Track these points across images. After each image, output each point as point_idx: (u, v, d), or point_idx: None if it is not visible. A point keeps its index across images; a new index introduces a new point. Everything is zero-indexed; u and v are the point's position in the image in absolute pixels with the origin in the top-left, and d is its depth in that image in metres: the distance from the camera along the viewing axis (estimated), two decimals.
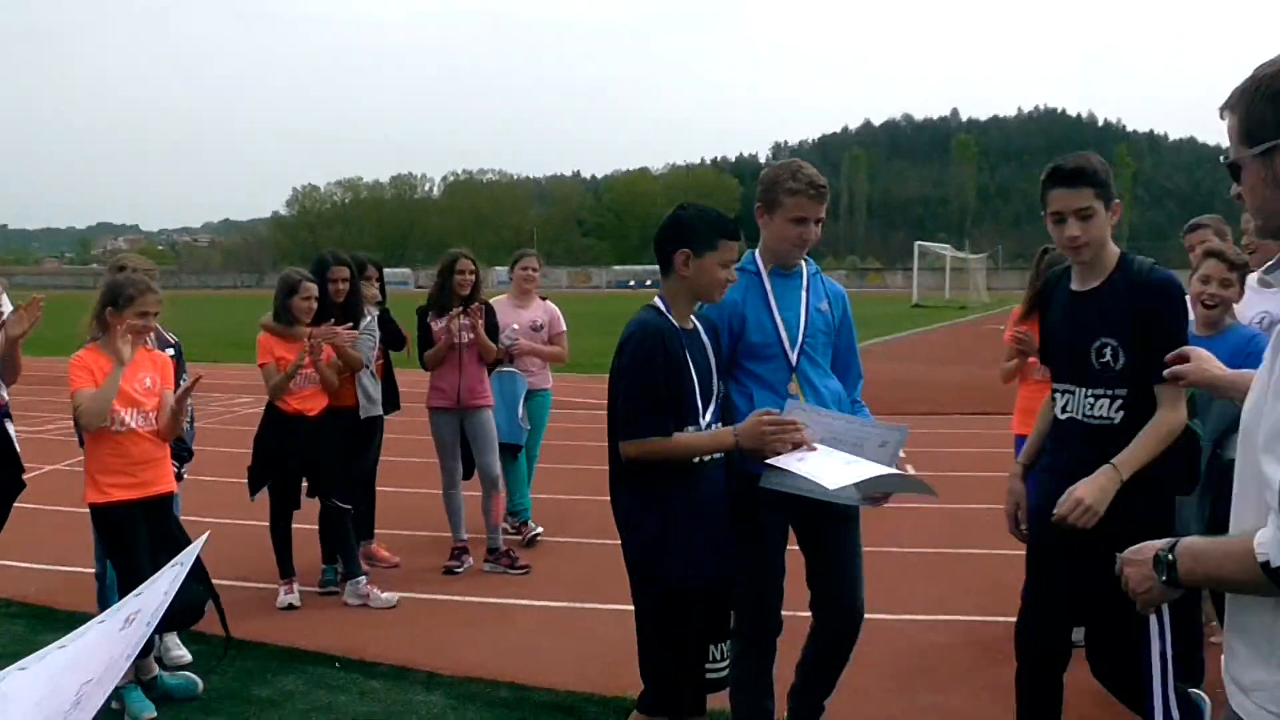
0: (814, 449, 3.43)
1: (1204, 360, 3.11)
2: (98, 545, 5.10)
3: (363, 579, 6.33)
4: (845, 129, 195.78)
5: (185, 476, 5.59)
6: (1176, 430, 3.48)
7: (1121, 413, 3.48)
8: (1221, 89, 2.11)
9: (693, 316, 3.61)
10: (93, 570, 5.39)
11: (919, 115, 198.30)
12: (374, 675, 5.13)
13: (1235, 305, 5.30)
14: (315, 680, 5.07)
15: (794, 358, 3.92)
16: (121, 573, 4.69)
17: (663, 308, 3.53)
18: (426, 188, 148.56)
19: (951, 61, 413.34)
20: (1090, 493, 3.34)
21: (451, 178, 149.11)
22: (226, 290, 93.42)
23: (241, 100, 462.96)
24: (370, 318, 6.84)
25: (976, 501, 8.11)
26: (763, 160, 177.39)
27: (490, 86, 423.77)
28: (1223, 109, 2.07)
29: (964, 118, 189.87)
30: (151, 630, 1.73)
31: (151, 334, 4.95)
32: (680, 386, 3.44)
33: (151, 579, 1.95)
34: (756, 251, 4.04)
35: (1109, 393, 3.50)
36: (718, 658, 3.59)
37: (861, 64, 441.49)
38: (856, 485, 3.32)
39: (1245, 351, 4.36)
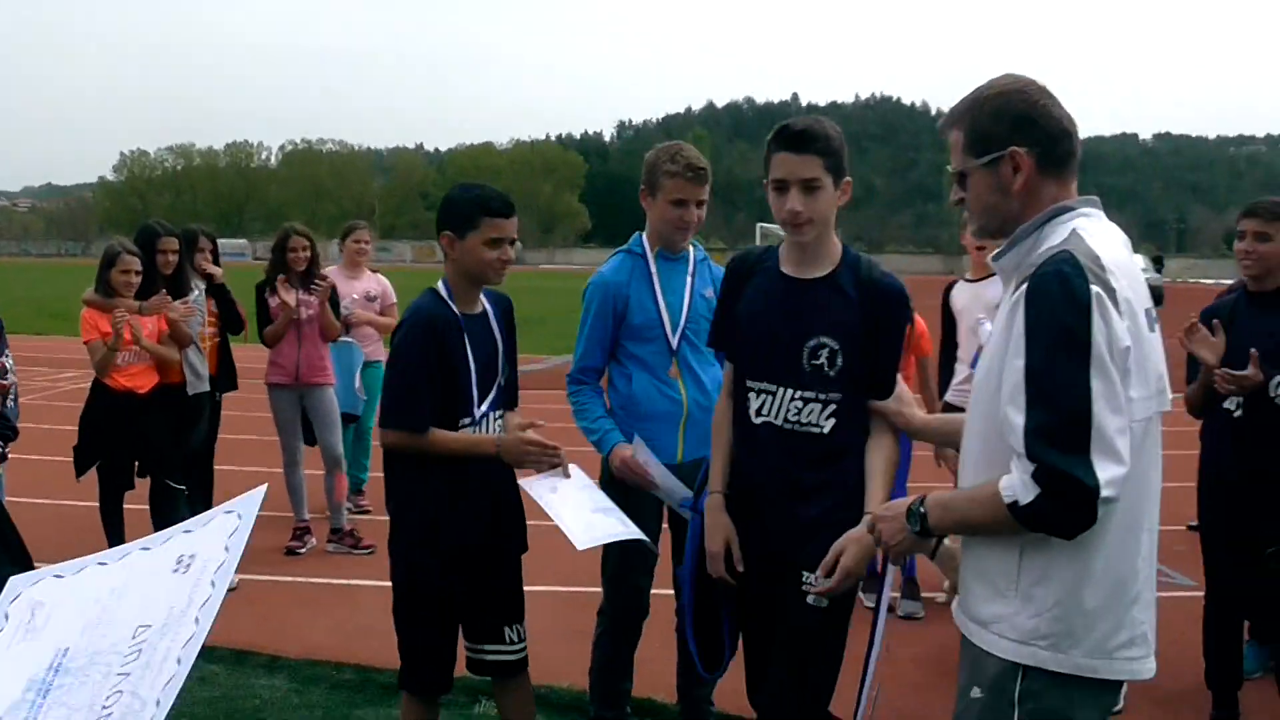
0: (568, 477, 3.42)
1: (906, 403, 3.10)
2: None
3: None
4: (689, 110, 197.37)
5: (9, 456, 5.36)
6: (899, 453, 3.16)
7: (832, 420, 3.02)
8: (1053, 83, 2.34)
9: (482, 299, 3.55)
10: None
11: (760, 98, 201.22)
12: (213, 659, 5.02)
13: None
14: None
15: (674, 341, 3.94)
16: None
17: (444, 293, 3.47)
18: (263, 156, 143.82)
19: (792, 47, 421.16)
20: (856, 559, 2.83)
21: (290, 146, 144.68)
22: (50, 259, 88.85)
23: (64, 57, 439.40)
24: (198, 291, 6.63)
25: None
26: (607, 139, 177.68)
27: (329, 54, 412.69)
28: (945, 126, 2.40)
29: (804, 102, 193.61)
30: (223, 594, 1.62)
31: None
32: (453, 377, 3.39)
33: (202, 518, 1.84)
34: (644, 234, 4.04)
35: (821, 397, 3.01)
36: (514, 640, 3.60)
37: (704, 46, 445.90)
38: (594, 539, 3.33)
39: None
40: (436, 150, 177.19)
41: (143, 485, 6.30)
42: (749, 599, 3.17)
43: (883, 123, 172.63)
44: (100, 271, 6.10)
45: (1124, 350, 2.11)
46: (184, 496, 6.23)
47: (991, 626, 2.28)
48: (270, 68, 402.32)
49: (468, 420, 3.42)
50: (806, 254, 3.07)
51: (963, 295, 5.75)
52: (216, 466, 7.14)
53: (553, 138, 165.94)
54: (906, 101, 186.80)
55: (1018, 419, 2.10)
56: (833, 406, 3.01)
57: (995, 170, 2.30)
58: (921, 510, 2.34)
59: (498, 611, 3.58)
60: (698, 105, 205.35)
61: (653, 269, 3.99)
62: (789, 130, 2.97)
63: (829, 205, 2.99)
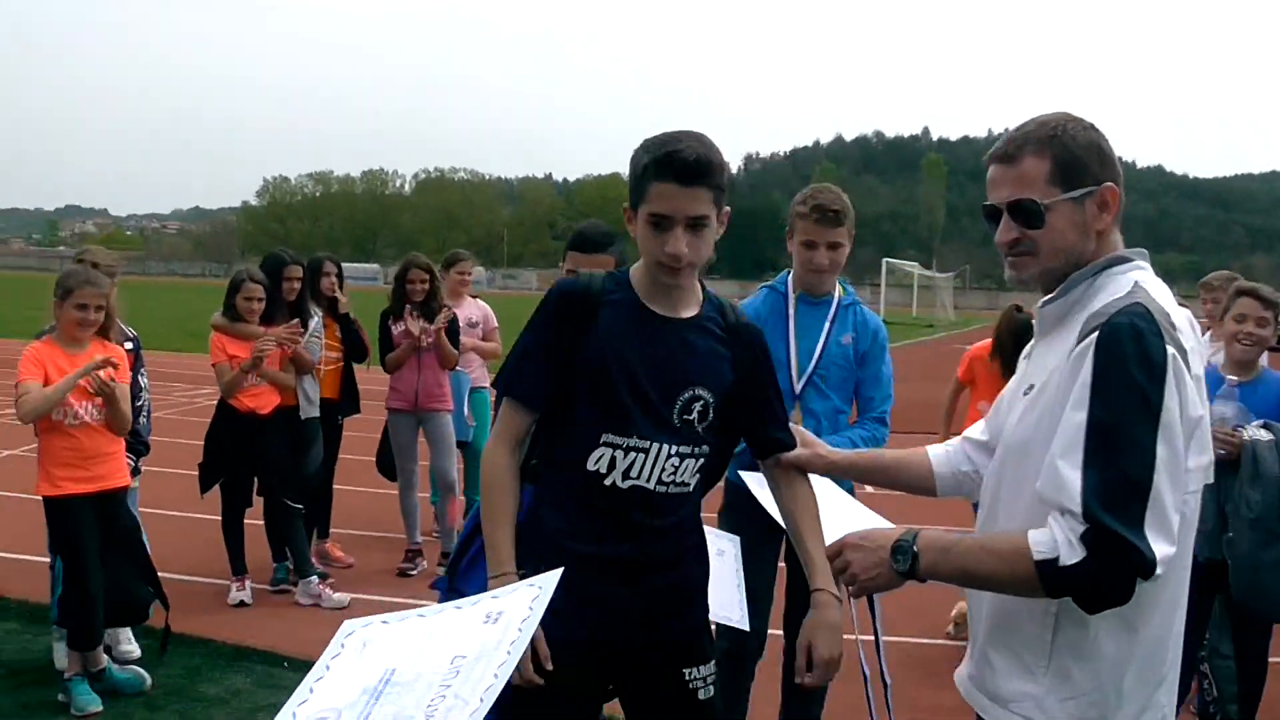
0: None
1: (814, 444, 2.74)
2: (51, 535, 5.08)
3: (314, 579, 6.32)
4: (817, 143, 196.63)
5: (142, 470, 5.58)
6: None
7: (698, 476, 2.62)
8: (1193, 120, 2.31)
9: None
10: (46, 559, 5.37)
11: (890, 132, 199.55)
12: None
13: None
14: (263, 679, 5.07)
15: (798, 386, 3.91)
16: (68, 566, 4.69)
17: None
18: (398, 183, 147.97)
19: (923, 81, 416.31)
20: (831, 645, 2.47)
21: (423, 174, 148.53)
22: (194, 279, 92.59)
23: (213, 88, 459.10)
24: (317, 317, 6.84)
25: (925, 521, 8.13)
26: (735, 171, 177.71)
27: (463, 86, 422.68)
28: (1014, 150, 2.12)
29: (934, 136, 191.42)
30: (529, 639, 1.84)
31: (113, 328, 4.94)
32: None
33: (506, 589, 2.03)
34: (790, 274, 4.04)
35: (695, 450, 2.58)
36: None
37: (834, 80, 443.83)
38: None
39: None
40: (565, 180, 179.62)
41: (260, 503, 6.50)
42: (623, 668, 2.62)
43: None
44: (227, 296, 6.36)
45: (1195, 419, 1.95)
46: (301, 516, 6.40)
47: (1013, 705, 2.08)
48: (407, 98, 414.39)
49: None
50: (672, 290, 2.59)
51: None
52: (336, 486, 7.33)
53: None
54: None
55: (1071, 475, 1.89)
56: (702, 460, 2.60)
57: (1082, 206, 2.09)
58: (914, 549, 2.08)
59: None
60: (826, 138, 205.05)
61: (790, 310, 3.98)
62: (677, 159, 2.41)
63: (711, 243, 2.52)
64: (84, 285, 4.67)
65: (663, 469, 2.53)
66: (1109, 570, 1.86)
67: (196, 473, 6.38)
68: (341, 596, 6.29)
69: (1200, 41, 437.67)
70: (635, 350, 2.52)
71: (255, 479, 6.42)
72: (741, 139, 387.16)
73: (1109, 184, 2.09)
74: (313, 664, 5.10)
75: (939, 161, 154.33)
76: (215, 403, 6.47)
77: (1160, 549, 1.84)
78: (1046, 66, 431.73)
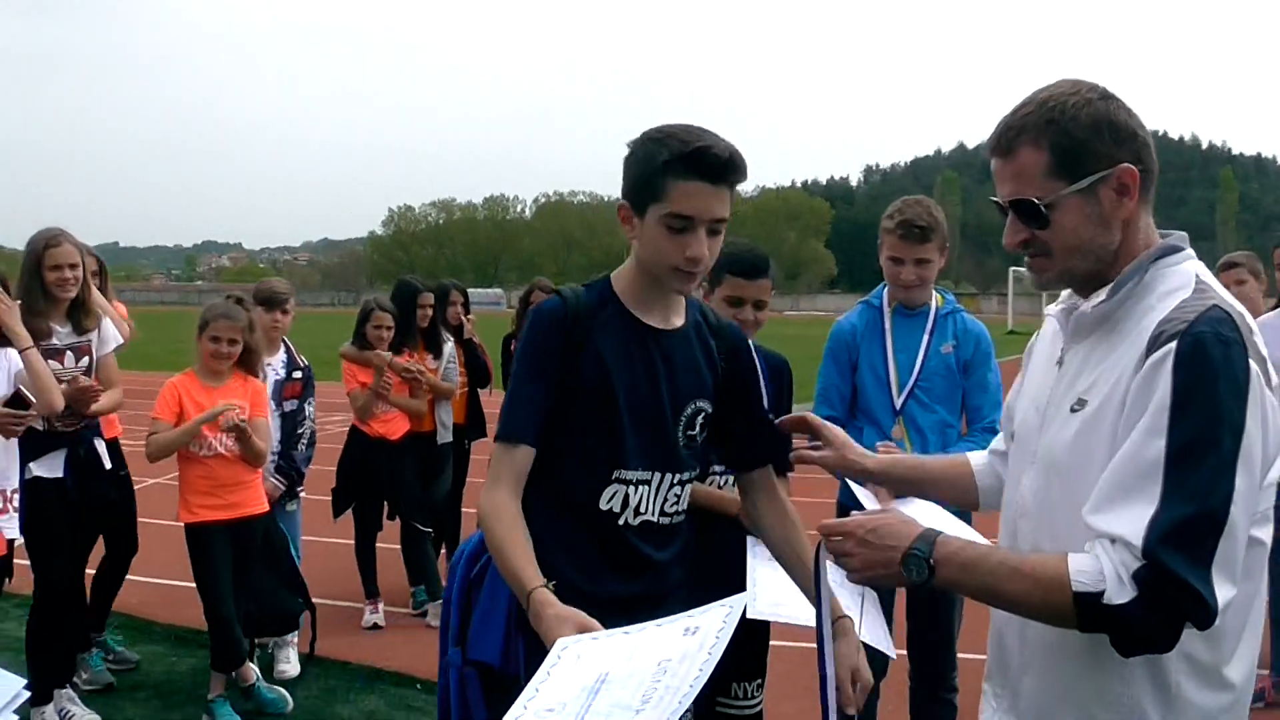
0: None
1: (845, 446, 2.42)
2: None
3: None
4: (938, 151, 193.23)
5: (300, 495, 5.83)
6: None
7: (682, 503, 2.50)
8: None
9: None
10: (189, 584, 5.54)
11: None
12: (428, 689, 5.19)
13: None
14: (396, 701, 5.15)
15: (899, 401, 3.85)
16: (202, 589, 4.86)
17: None
18: (518, 209, 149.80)
19: (1047, 83, 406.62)
20: (866, 670, 2.37)
21: (543, 199, 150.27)
22: (322, 308, 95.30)
23: (340, 123, 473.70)
24: (449, 344, 6.95)
25: None
26: (854, 183, 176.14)
27: (581, 109, 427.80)
28: (1007, 142, 1.88)
29: None
30: (725, 644, 1.91)
31: (258, 362, 5.10)
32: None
33: (701, 609, 2.06)
34: (886, 287, 3.99)
35: (685, 478, 2.46)
36: (739, 695, 3.47)
37: (955, 86, 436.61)
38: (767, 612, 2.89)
39: None
40: None
41: (391, 527, 6.63)
42: None
43: None
44: (357, 325, 6.55)
45: (1277, 444, 1.73)
46: (429, 538, 6.53)
47: None
48: (526, 124, 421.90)
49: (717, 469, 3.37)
50: (667, 299, 2.43)
51: None
52: (465, 510, 7.43)
53: (798, 184, 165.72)
54: (1174, 135, 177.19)
55: (1137, 506, 1.66)
56: (689, 487, 2.49)
57: (1094, 196, 1.81)
58: (930, 561, 1.82)
59: (734, 666, 3.48)
60: (948, 147, 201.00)
61: (886, 324, 3.92)
62: (710, 155, 2.21)
63: (718, 251, 2.34)
64: (219, 319, 4.83)
65: (665, 499, 2.42)
66: (1162, 615, 1.65)
67: (326, 497, 6.56)
68: None
69: None
70: (640, 373, 2.37)
71: (385, 503, 6.56)
72: (861, 150, 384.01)
73: (1125, 165, 1.81)
74: None
75: None
76: (346, 429, 6.65)
77: (1223, 593, 1.65)
78: (1180, 65, 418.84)
